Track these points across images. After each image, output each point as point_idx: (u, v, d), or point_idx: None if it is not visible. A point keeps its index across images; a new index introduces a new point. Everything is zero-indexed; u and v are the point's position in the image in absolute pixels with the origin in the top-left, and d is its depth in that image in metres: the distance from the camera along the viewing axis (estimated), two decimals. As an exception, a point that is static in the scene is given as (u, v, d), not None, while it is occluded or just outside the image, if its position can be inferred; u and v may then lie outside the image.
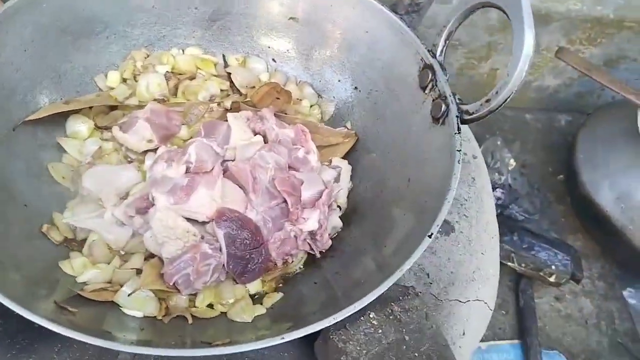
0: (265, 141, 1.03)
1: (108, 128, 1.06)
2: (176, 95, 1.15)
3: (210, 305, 0.92)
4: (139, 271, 0.92)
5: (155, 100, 1.11)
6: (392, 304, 0.86)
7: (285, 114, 1.13)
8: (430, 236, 0.80)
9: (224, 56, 1.22)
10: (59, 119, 1.04)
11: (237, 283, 0.93)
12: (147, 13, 1.15)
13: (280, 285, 0.97)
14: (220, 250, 0.89)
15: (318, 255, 0.99)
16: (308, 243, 0.98)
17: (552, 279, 1.81)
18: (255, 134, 1.04)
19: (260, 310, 0.91)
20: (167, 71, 1.16)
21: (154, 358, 0.87)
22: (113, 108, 1.10)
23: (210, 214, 0.91)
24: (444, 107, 0.94)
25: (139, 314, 0.86)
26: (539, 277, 1.82)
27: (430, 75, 0.99)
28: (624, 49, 2.02)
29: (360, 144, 1.13)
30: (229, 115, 1.04)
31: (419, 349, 0.83)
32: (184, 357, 0.86)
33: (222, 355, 0.88)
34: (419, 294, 0.90)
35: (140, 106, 1.09)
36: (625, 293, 1.93)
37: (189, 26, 1.20)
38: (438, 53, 1.01)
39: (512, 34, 0.85)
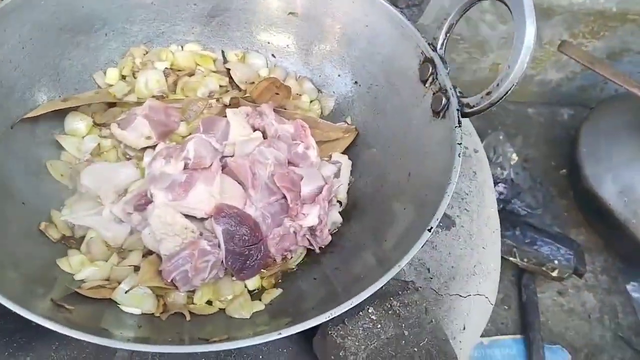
0: (265, 137, 1.03)
1: (106, 125, 1.06)
2: (175, 91, 1.14)
3: (209, 302, 0.91)
4: (136, 268, 0.91)
5: (154, 96, 1.11)
6: (391, 298, 0.85)
7: (285, 109, 1.12)
8: (430, 230, 0.80)
9: (223, 52, 1.22)
10: (58, 117, 1.04)
11: (235, 279, 0.93)
12: (146, 9, 1.15)
13: (280, 281, 0.97)
14: (219, 246, 0.89)
15: (318, 251, 0.98)
16: (307, 239, 0.97)
17: (554, 274, 1.81)
18: (255, 129, 1.04)
19: (259, 306, 0.90)
20: (166, 68, 1.15)
21: (152, 355, 0.87)
22: (112, 105, 1.10)
23: (209, 210, 0.90)
24: (444, 101, 0.94)
25: (137, 311, 0.86)
26: (542, 271, 1.82)
27: (430, 68, 0.98)
28: (627, 42, 2.01)
29: (361, 138, 1.12)
30: (228, 111, 1.04)
31: (419, 344, 0.83)
32: (182, 353, 0.87)
33: (220, 351, 0.88)
34: (419, 288, 0.90)
35: (139, 103, 1.08)
36: (628, 287, 1.93)
37: (188, 22, 1.19)
38: (439, 46, 1.01)
39: (513, 26, 0.84)
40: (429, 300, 0.90)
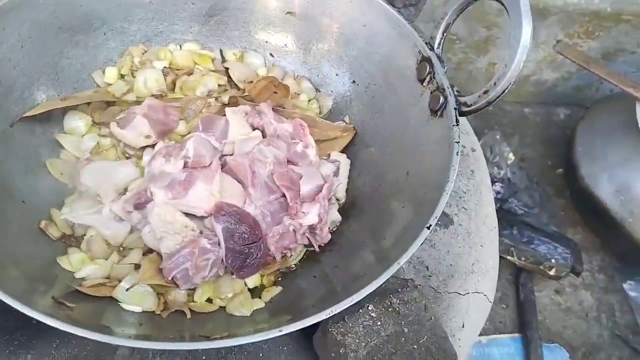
0: (264, 136, 1.03)
1: (106, 124, 1.06)
2: (174, 90, 1.15)
3: (209, 300, 0.92)
4: (137, 266, 0.92)
5: (152, 95, 1.11)
6: (391, 296, 0.86)
7: (283, 108, 1.12)
8: (429, 228, 0.80)
9: (221, 51, 1.22)
10: (57, 115, 1.04)
11: (235, 277, 0.93)
12: (145, 9, 1.15)
13: (279, 279, 0.97)
14: (219, 244, 0.89)
15: (317, 249, 0.99)
16: (307, 237, 0.98)
17: (552, 273, 1.82)
18: (254, 128, 1.04)
19: (259, 304, 0.91)
20: (164, 67, 1.15)
21: (153, 353, 0.87)
22: (111, 104, 1.10)
23: (209, 209, 0.90)
24: (442, 100, 0.94)
25: (138, 309, 0.86)
26: (539, 270, 1.83)
27: (428, 67, 0.99)
28: (622, 42, 2.02)
29: (359, 137, 1.13)
30: (227, 109, 1.04)
31: (418, 341, 0.83)
32: (183, 351, 0.87)
33: (221, 349, 0.89)
34: (418, 286, 0.90)
35: (138, 102, 1.08)
36: (625, 285, 1.94)
37: (186, 22, 1.19)
38: (436, 45, 1.01)
39: (509, 26, 0.84)
40: (428, 298, 0.90)
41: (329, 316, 0.74)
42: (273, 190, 0.95)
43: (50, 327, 0.69)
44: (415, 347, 0.83)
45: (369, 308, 0.84)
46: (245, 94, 1.13)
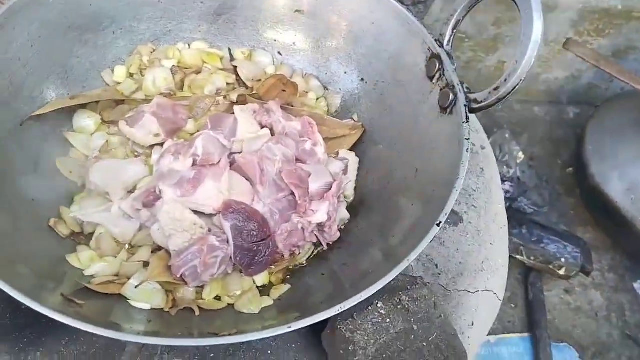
0: (272, 134, 1.03)
1: (115, 123, 1.06)
2: (182, 89, 1.15)
3: (218, 297, 0.92)
4: (146, 264, 0.92)
5: (161, 94, 1.11)
6: (400, 293, 0.85)
7: (292, 106, 1.12)
8: (438, 225, 0.80)
9: (229, 50, 1.22)
10: (66, 114, 1.04)
11: (244, 275, 0.93)
12: (153, 8, 1.16)
13: (288, 277, 0.97)
14: (228, 242, 0.89)
15: (325, 247, 0.99)
16: (315, 235, 0.98)
17: (561, 272, 1.81)
18: (262, 126, 1.04)
19: (268, 301, 0.90)
20: (173, 65, 1.16)
21: (161, 350, 0.87)
22: (120, 102, 1.10)
23: (217, 207, 0.90)
24: (451, 96, 0.94)
25: (147, 306, 0.86)
26: (549, 270, 1.82)
27: (437, 64, 0.98)
28: (633, 39, 2.01)
29: (367, 135, 1.12)
30: (236, 108, 1.04)
31: (428, 339, 0.83)
32: (192, 347, 0.87)
33: (229, 346, 0.89)
34: (428, 284, 0.90)
35: (147, 100, 1.09)
36: (636, 285, 1.92)
37: (195, 20, 1.20)
38: (445, 42, 1.01)
39: (520, 21, 0.84)
40: (437, 295, 0.90)
41: (338, 313, 0.73)
42: (282, 188, 0.95)
43: (60, 324, 0.69)
44: (425, 344, 0.82)
45: (378, 305, 0.84)
46: (253, 92, 1.13)
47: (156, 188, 0.92)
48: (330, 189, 0.96)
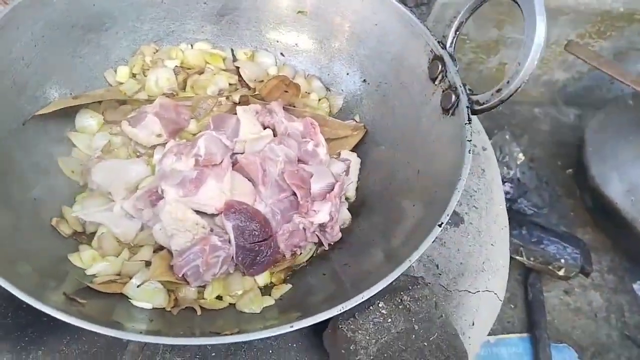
0: (275, 134, 1.03)
1: (117, 122, 1.07)
2: (185, 89, 1.15)
3: (219, 297, 0.92)
4: (148, 263, 0.92)
5: (164, 94, 1.11)
6: (402, 293, 0.86)
7: (294, 107, 1.13)
8: (440, 225, 0.80)
9: (232, 50, 1.22)
10: (69, 114, 1.05)
11: (245, 275, 0.93)
12: (156, 8, 1.16)
13: (289, 276, 0.98)
14: (230, 242, 0.90)
15: (327, 247, 0.99)
16: (317, 235, 0.98)
17: (561, 273, 1.81)
18: (265, 127, 1.04)
19: (269, 301, 0.91)
20: (176, 66, 1.16)
21: (163, 349, 0.87)
22: (122, 103, 1.11)
23: (219, 207, 0.91)
24: (454, 98, 0.94)
25: (148, 306, 0.86)
26: (548, 270, 1.82)
27: (440, 66, 0.99)
28: (634, 41, 2.01)
29: (369, 136, 1.13)
30: (238, 108, 1.04)
31: (429, 338, 0.83)
32: (193, 347, 0.88)
33: (230, 346, 0.89)
34: (429, 284, 0.90)
35: (149, 101, 1.09)
36: (635, 286, 1.93)
37: (198, 21, 1.20)
38: (448, 44, 1.01)
39: (523, 24, 0.84)
40: (438, 295, 0.90)
41: (340, 312, 0.74)
42: (283, 189, 0.95)
43: (61, 323, 0.70)
44: (426, 344, 0.82)
45: (380, 305, 0.84)
46: (256, 93, 1.14)
47: (158, 188, 0.92)
48: (332, 189, 0.97)
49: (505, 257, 1.11)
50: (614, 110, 1.88)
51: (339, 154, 1.10)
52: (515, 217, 1.87)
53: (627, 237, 1.75)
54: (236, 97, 1.12)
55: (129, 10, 1.13)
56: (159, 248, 0.94)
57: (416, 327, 0.83)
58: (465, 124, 0.90)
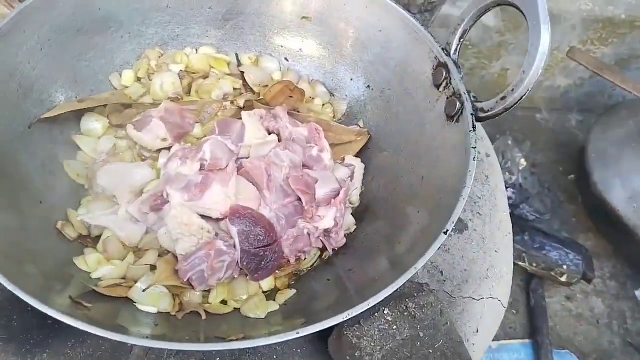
0: (279, 139, 1.04)
1: (122, 126, 1.07)
2: (190, 94, 1.15)
3: (224, 302, 0.92)
4: (153, 267, 0.92)
5: (169, 99, 1.11)
6: (407, 300, 0.86)
7: (298, 112, 1.13)
8: (446, 233, 0.80)
9: (237, 55, 1.22)
10: (74, 117, 1.05)
11: (250, 280, 0.93)
12: (162, 13, 1.16)
13: (293, 282, 0.98)
14: (235, 247, 0.90)
15: (331, 253, 0.99)
16: (321, 240, 0.98)
17: (563, 279, 1.81)
18: (269, 132, 1.05)
19: (274, 306, 0.91)
20: (181, 70, 1.16)
21: (167, 353, 0.88)
22: (127, 106, 1.11)
23: (225, 211, 0.91)
24: (458, 105, 0.94)
25: (153, 310, 0.86)
26: (550, 276, 1.83)
27: (444, 73, 0.99)
28: (636, 48, 2.02)
29: (373, 142, 1.13)
30: (243, 113, 1.04)
31: (434, 346, 0.83)
32: (198, 352, 0.88)
33: (235, 351, 0.89)
34: (434, 291, 0.90)
35: (155, 105, 1.09)
36: (637, 293, 1.93)
37: (203, 25, 1.20)
38: (452, 51, 1.01)
39: (528, 32, 0.84)
40: (443, 303, 0.90)
41: (346, 319, 0.74)
42: (288, 194, 0.95)
43: (66, 326, 0.70)
44: (431, 351, 0.83)
45: (385, 312, 0.84)
46: (260, 98, 1.14)
47: (163, 192, 0.92)
48: (337, 195, 0.97)
49: (509, 264, 1.12)
50: (616, 117, 1.89)
51: (343, 159, 1.10)
52: (518, 223, 1.87)
53: (629, 244, 1.75)
54: (241, 102, 1.12)
55: (134, 14, 1.13)
56: (164, 252, 0.94)
57: (421, 334, 0.84)
58: (470, 131, 0.91)
